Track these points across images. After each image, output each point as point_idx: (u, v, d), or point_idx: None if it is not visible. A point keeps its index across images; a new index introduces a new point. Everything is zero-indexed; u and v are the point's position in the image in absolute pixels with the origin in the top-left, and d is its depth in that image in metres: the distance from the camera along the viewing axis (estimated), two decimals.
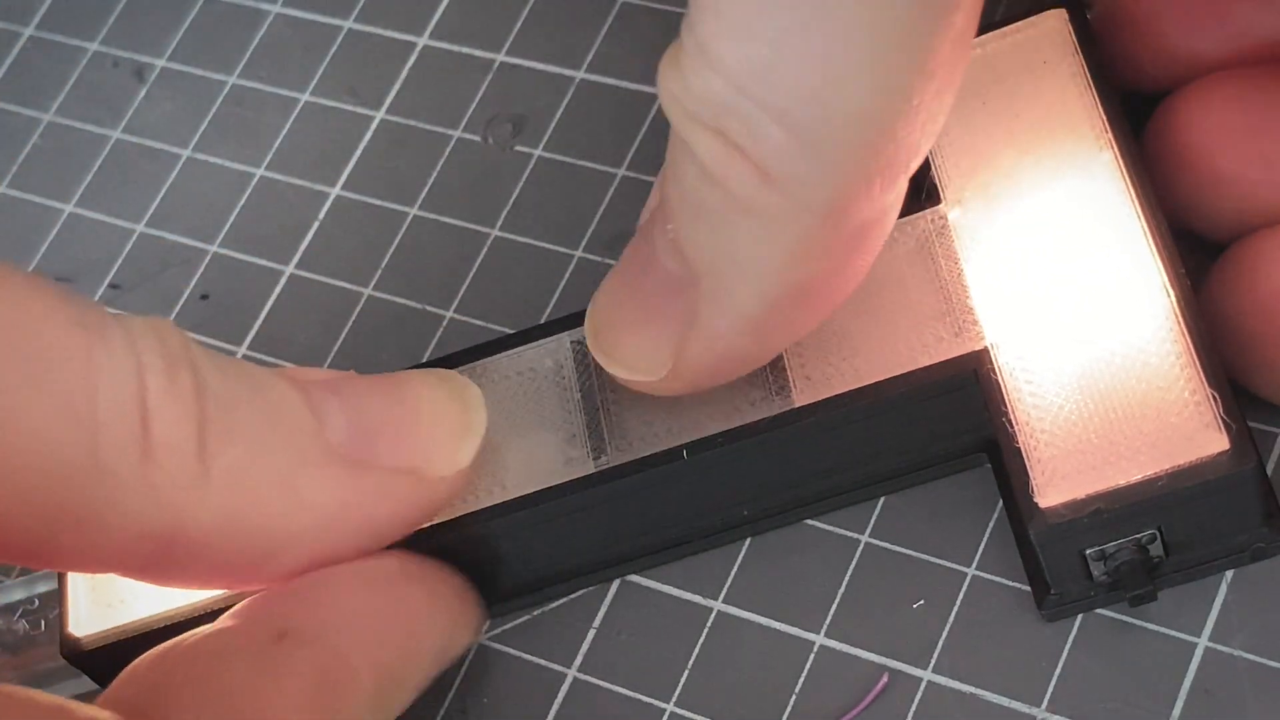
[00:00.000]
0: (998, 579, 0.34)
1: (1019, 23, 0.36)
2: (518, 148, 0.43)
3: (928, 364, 0.33)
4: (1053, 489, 0.31)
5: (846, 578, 0.35)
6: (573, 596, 0.36)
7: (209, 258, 0.43)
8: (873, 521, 0.35)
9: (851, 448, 0.34)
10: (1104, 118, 0.34)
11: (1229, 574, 0.33)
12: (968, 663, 0.33)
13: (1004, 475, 0.33)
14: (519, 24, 0.44)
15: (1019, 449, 0.32)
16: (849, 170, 0.29)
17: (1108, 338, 0.32)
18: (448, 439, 0.34)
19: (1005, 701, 0.33)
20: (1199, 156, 0.34)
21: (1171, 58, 0.35)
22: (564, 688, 0.35)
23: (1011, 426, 0.32)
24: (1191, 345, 0.32)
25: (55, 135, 0.47)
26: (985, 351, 0.33)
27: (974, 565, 0.34)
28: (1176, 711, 0.32)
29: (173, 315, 0.43)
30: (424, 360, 0.40)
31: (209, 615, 0.35)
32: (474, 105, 0.43)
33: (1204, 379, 0.31)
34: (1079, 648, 0.33)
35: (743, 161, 0.29)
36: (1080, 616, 0.33)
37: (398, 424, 0.34)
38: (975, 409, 0.33)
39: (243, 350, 0.42)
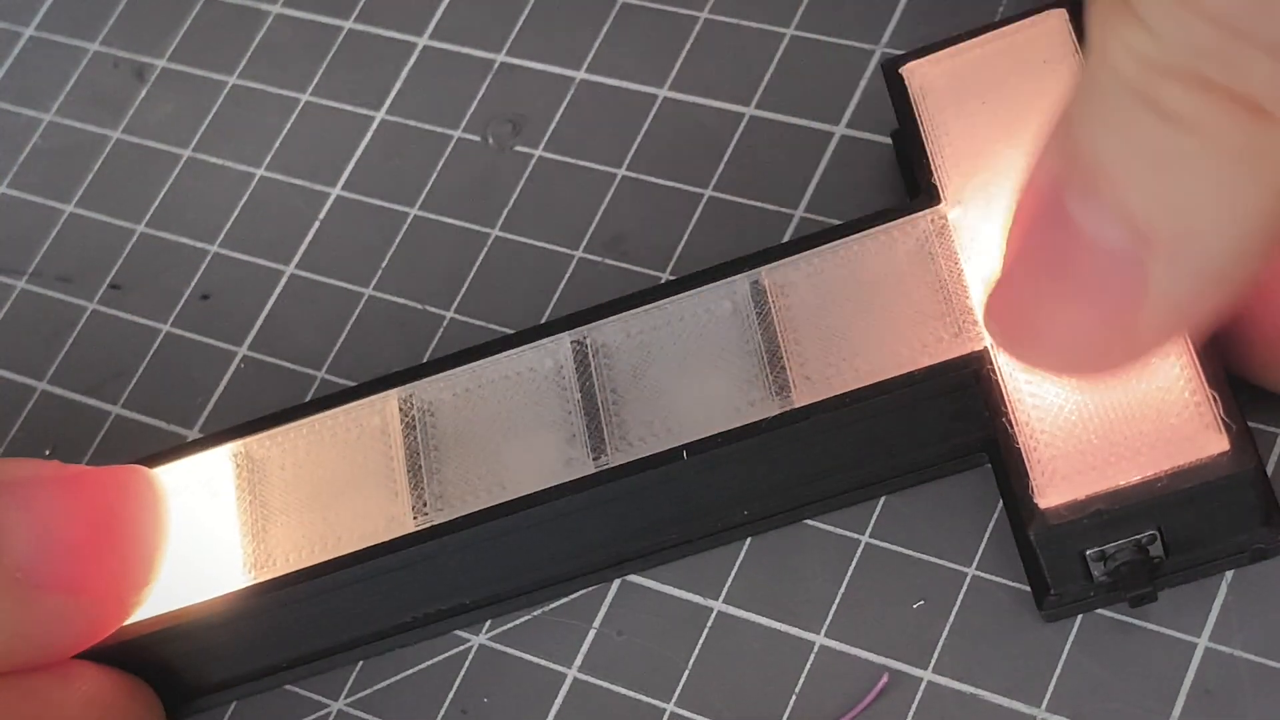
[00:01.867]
0: (998, 579, 0.34)
1: (1019, 22, 0.36)
2: (518, 148, 0.43)
3: (928, 364, 0.33)
4: (1053, 490, 0.31)
5: (846, 578, 0.35)
6: (573, 596, 0.36)
7: (209, 258, 0.43)
8: (873, 521, 0.35)
9: (851, 448, 0.34)
10: None
11: (1229, 574, 0.33)
12: (968, 663, 0.33)
13: (1004, 475, 0.33)
14: (519, 24, 0.44)
15: (1019, 449, 0.32)
16: None
17: None
18: (135, 559, 0.34)
19: (1005, 702, 0.33)
20: None
21: None
22: (564, 688, 0.35)
23: (1011, 427, 0.32)
24: (1191, 346, 0.32)
25: (55, 135, 0.47)
26: (985, 352, 0.33)
27: (974, 565, 0.34)
28: (1176, 711, 0.32)
29: (173, 315, 0.43)
30: (424, 359, 0.40)
31: (210, 616, 0.35)
32: (474, 105, 0.43)
33: (1204, 380, 0.31)
34: (1079, 648, 0.33)
35: (1230, 104, 0.27)
36: (1080, 617, 0.33)
37: (83, 545, 0.34)
38: (975, 409, 0.33)
39: (243, 350, 0.42)
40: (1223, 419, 0.31)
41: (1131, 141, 0.28)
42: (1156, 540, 0.32)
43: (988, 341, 0.33)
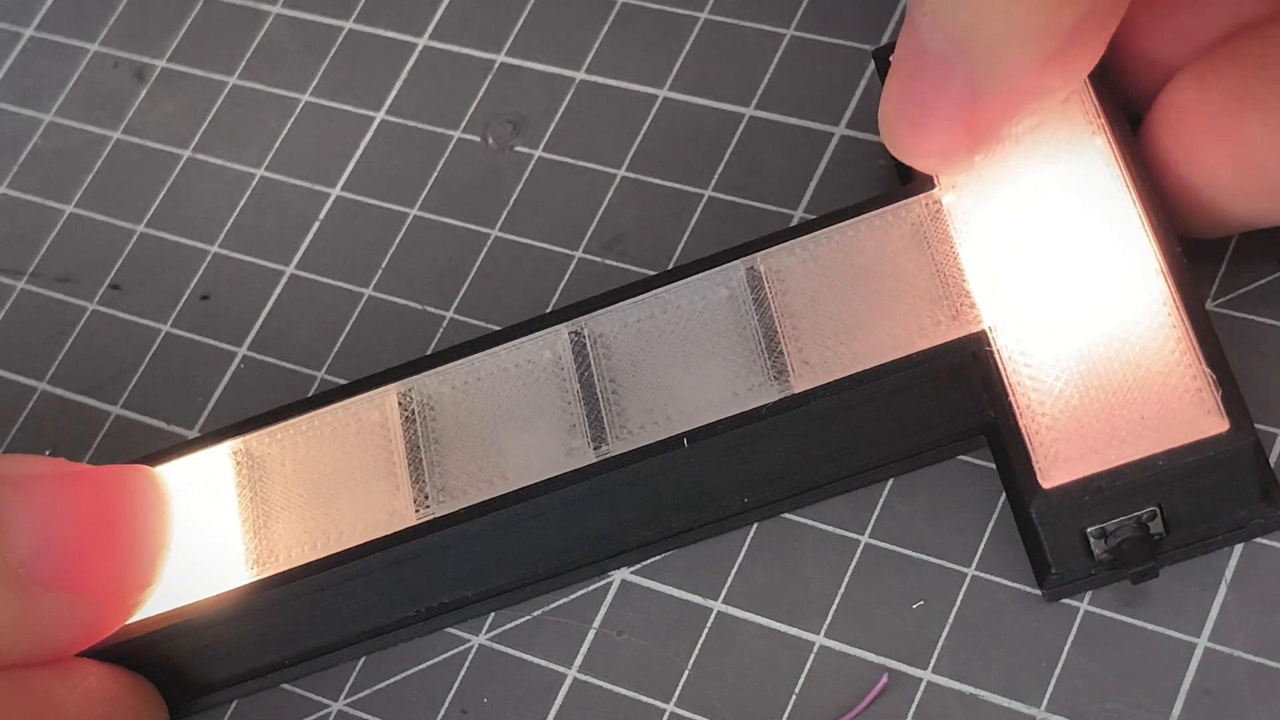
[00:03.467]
0: (998, 579, 0.34)
1: None
2: (518, 148, 0.43)
3: (925, 347, 0.33)
4: (1054, 469, 0.31)
5: (846, 578, 0.35)
6: (573, 596, 0.36)
7: (209, 258, 0.43)
8: (872, 521, 0.35)
9: (851, 432, 0.34)
10: (1096, 102, 0.34)
11: (1229, 574, 0.33)
12: (967, 663, 0.33)
13: (1004, 457, 0.34)
14: (519, 24, 0.44)
15: (1020, 430, 0.32)
16: None
17: (1105, 319, 0.32)
18: (138, 559, 0.34)
19: (1005, 702, 0.33)
20: (1174, 177, 0.34)
21: (1141, 68, 0.35)
22: (564, 688, 0.35)
23: (1012, 408, 0.32)
24: (1188, 326, 0.32)
25: (55, 135, 0.47)
26: (983, 334, 0.33)
27: (974, 565, 0.34)
28: (1176, 711, 0.32)
29: (173, 315, 0.43)
30: (426, 353, 0.40)
31: (213, 613, 0.35)
32: (474, 105, 0.43)
33: (1201, 359, 0.31)
34: (1078, 648, 0.33)
35: None
36: (1080, 616, 0.33)
37: (87, 544, 0.34)
38: (974, 392, 0.33)
39: (243, 350, 0.42)
40: (1220, 397, 0.31)
41: None
42: (1157, 517, 0.32)
43: (986, 324, 0.33)
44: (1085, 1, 0.31)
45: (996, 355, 0.33)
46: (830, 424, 0.34)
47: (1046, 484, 0.31)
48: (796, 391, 0.34)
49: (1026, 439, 0.32)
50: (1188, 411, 0.31)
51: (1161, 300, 0.32)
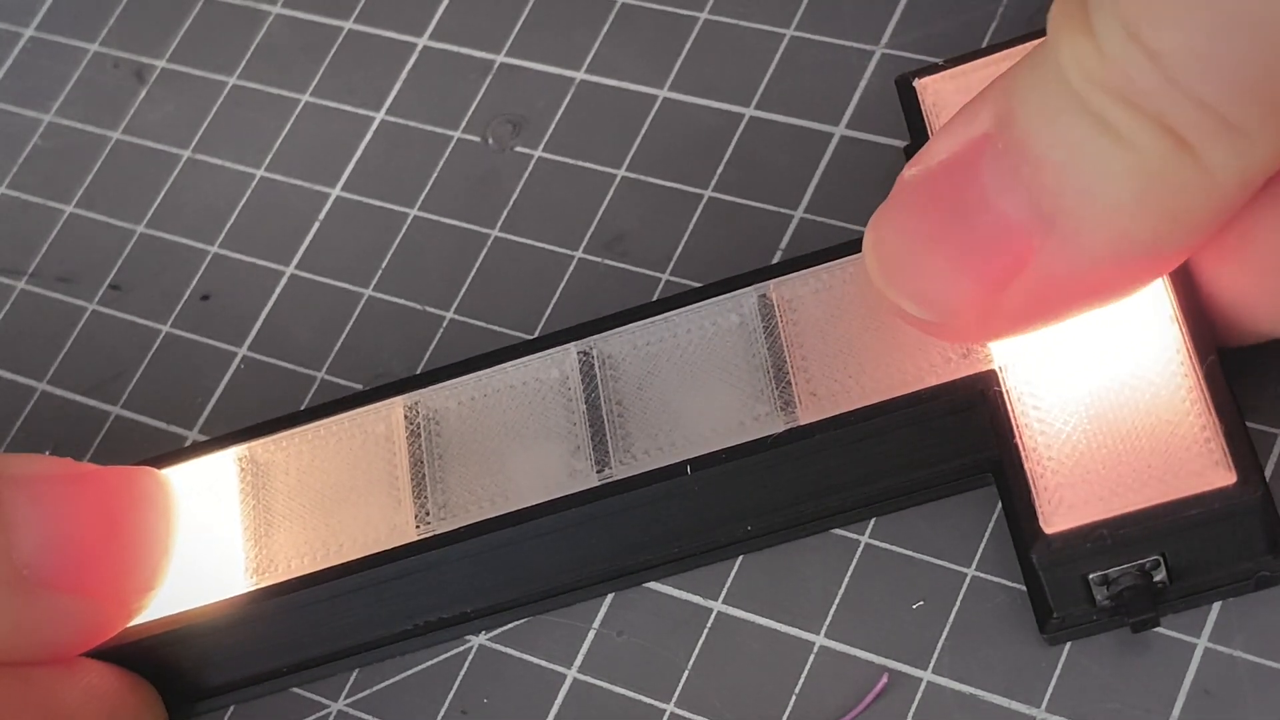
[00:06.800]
0: (998, 579, 0.34)
1: (1035, 41, 0.35)
2: (518, 148, 0.43)
3: (935, 384, 0.33)
4: (1058, 516, 0.31)
5: (846, 578, 0.35)
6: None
7: (209, 258, 0.43)
8: (873, 521, 0.35)
9: (856, 466, 0.34)
10: None
11: None
12: (967, 663, 0.33)
13: (1009, 497, 0.33)
14: (519, 24, 0.44)
15: (1025, 474, 0.32)
16: (1276, 145, 0.29)
17: (1117, 366, 0.32)
18: (142, 562, 0.34)
19: (1005, 702, 0.33)
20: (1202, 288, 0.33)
21: None
22: (564, 688, 0.35)
23: (1018, 451, 0.32)
24: (1200, 375, 0.31)
25: (55, 135, 0.47)
26: (993, 374, 0.33)
27: (974, 566, 0.34)
28: (1176, 712, 0.32)
29: (173, 315, 0.43)
30: (424, 360, 0.40)
31: (211, 620, 0.35)
32: (474, 105, 0.43)
33: (1212, 411, 0.31)
34: (1079, 648, 0.33)
35: (1159, 129, 0.28)
36: None
37: (92, 545, 0.34)
38: (981, 430, 0.33)
39: (243, 350, 0.42)
40: (1230, 451, 0.30)
41: (1064, 137, 0.29)
42: (1161, 566, 0.31)
43: (996, 363, 0.33)
44: (1215, 224, 0.30)
45: (1005, 395, 0.32)
46: (836, 457, 0.34)
47: (1049, 530, 0.31)
48: (803, 423, 0.33)
49: (1031, 483, 0.31)
50: (1195, 463, 0.31)
51: (1175, 348, 0.32)
